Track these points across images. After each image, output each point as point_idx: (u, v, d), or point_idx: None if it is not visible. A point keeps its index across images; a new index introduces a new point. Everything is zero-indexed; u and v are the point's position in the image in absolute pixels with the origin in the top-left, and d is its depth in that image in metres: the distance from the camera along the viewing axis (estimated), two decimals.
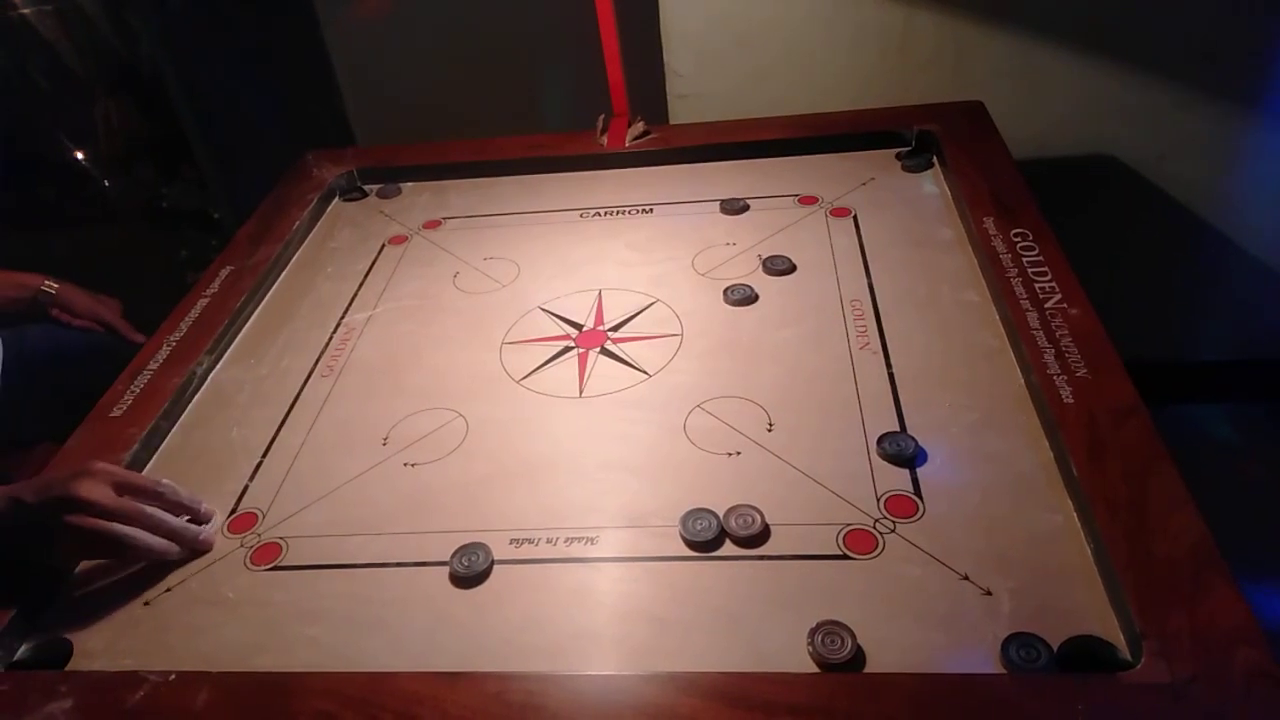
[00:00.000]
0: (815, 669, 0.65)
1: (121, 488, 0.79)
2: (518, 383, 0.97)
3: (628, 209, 1.25)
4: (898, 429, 0.84)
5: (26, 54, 1.87)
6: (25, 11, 1.81)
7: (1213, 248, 1.61)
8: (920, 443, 0.82)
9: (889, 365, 0.92)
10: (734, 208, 1.21)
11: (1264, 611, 0.85)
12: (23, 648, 0.75)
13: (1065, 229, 1.04)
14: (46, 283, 1.31)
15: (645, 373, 0.96)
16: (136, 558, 0.80)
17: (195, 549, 0.81)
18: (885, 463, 0.81)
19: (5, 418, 1.19)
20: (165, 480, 0.83)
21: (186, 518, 0.82)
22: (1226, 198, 1.57)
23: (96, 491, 0.77)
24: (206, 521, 0.84)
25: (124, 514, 0.78)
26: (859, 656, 0.65)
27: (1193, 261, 1.66)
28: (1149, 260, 1.65)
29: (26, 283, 1.29)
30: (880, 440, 0.82)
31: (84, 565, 0.82)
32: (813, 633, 0.66)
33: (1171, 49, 1.44)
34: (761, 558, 0.74)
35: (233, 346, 1.09)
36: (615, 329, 1.03)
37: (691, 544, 0.75)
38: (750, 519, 0.76)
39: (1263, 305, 1.68)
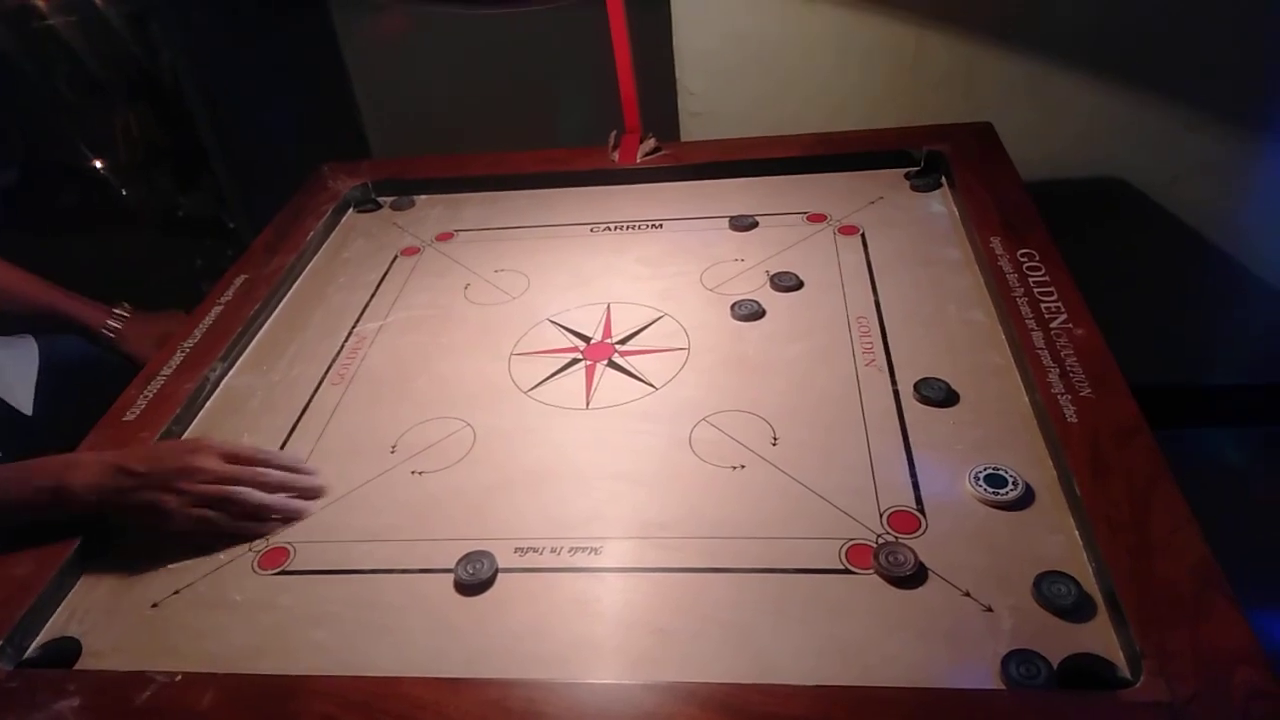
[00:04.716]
0: (815, 682, 0.65)
1: (230, 457, 0.85)
2: (525, 393, 0.98)
3: (638, 224, 1.27)
4: (902, 442, 0.85)
5: (51, 63, 1.90)
6: (51, 22, 1.84)
7: (1224, 271, 1.61)
8: (922, 458, 0.82)
9: (894, 382, 0.92)
10: (743, 224, 1.22)
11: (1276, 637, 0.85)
12: (32, 646, 0.75)
13: (1076, 251, 1.04)
14: (109, 323, 1.27)
15: (652, 386, 0.97)
16: (249, 517, 0.84)
17: (310, 496, 0.87)
18: (920, 404, 0.88)
19: (38, 428, 1.19)
20: (265, 449, 0.90)
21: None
22: (1238, 221, 1.57)
23: (210, 460, 0.83)
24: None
25: (237, 478, 0.83)
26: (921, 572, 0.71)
27: (1204, 284, 1.66)
28: (1160, 283, 1.65)
29: (90, 319, 1.28)
30: (917, 385, 0.90)
31: (92, 567, 0.83)
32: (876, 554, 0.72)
33: (1183, 72, 1.44)
34: (764, 570, 0.74)
35: (245, 353, 1.10)
36: (623, 342, 1.04)
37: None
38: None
39: (1275, 328, 1.68)
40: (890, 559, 0.73)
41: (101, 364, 1.26)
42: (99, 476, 0.82)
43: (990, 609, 0.69)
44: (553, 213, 1.32)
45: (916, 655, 0.66)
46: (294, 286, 1.22)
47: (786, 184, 1.30)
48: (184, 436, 0.98)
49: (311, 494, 0.87)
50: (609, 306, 1.10)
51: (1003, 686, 0.63)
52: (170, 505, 0.81)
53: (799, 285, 1.09)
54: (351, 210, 1.40)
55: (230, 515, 0.83)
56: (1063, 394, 0.84)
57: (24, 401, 1.17)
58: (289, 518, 0.85)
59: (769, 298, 1.07)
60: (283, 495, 0.85)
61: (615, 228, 1.27)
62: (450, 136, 1.98)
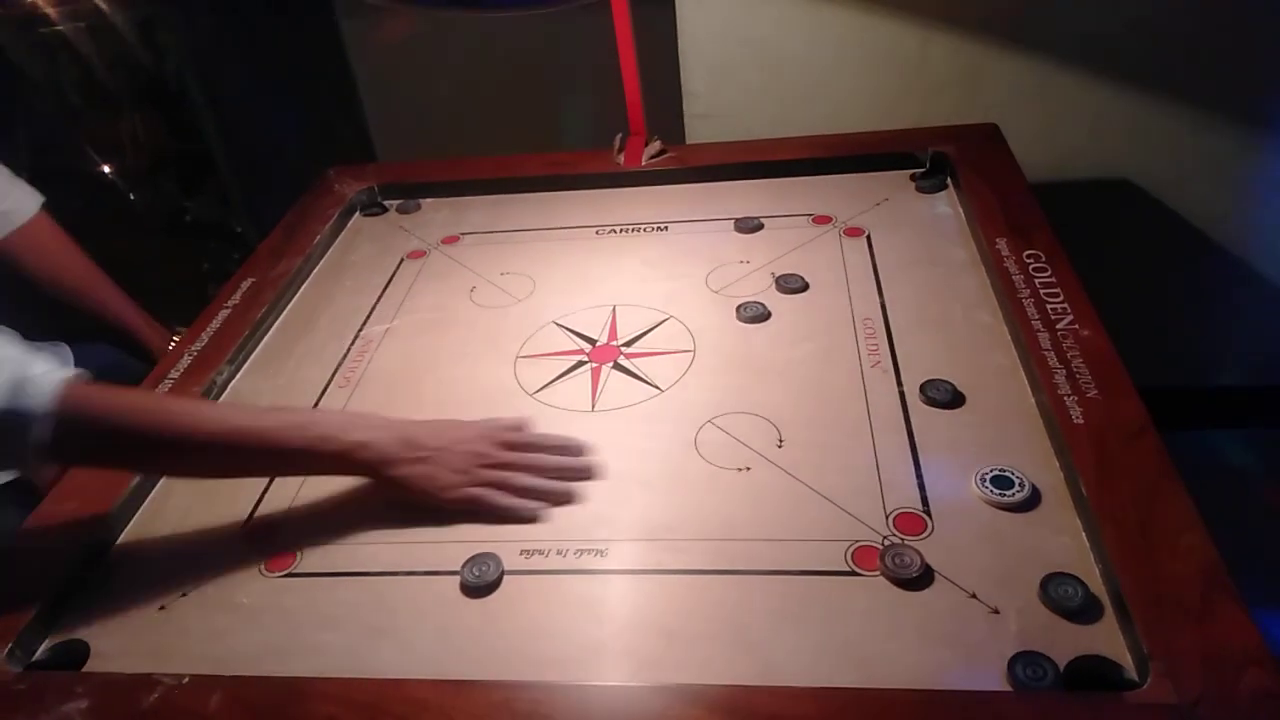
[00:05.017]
0: (821, 684, 0.65)
1: (509, 445, 0.86)
2: (531, 396, 0.98)
3: (643, 226, 1.27)
4: (908, 444, 0.85)
5: (58, 69, 1.92)
6: (59, 28, 1.85)
7: (1231, 272, 1.61)
8: (927, 462, 0.82)
9: (900, 384, 0.92)
10: (748, 226, 1.22)
11: None
12: (41, 649, 0.76)
13: (1082, 252, 1.04)
14: (169, 348, 1.28)
15: (657, 388, 0.97)
16: (523, 501, 0.83)
17: (583, 478, 0.86)
18: (926, 406, 0.88)
19: None
20: (542, 432, 0.91)
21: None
22: (1244, 222, 1.57)
23: (494, 447, 0.85)
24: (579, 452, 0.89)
25: (515, 464, 0.85)
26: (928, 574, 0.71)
27: (1211, 286, 1.65)
28: (1167, 284, 1.65)
29: (153, 341, 1.27)
30: (923, 387, 0.90)
31: (100, 569, 0.83)
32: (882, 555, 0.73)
33: (1189, 73, 1.44)
34: (770, 573, 0.74)
35: (253, 357, 1.11)
36: (628, 344, 1.04)
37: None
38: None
39: None
40: (896, 561, 0.73)
41: (134, 375, 1.26)
42: (384, 441, 0.83)
43: (997, 611, 0.69)
44: (558, 215, 1.32)
45: (923, 657, 0.66)
46: (300, 290, 1.23)
47: (792, 186, 1.30)
48: None
49: (584, 476, 0.86)
50: (614, 309, 1.11)
51: (1009, 688, 0.63)
52: (448, 482, 0.83)
53: (804, 287, 1.09)
54: (357, 214, 1.40)
55: (502, 496, 0.83)
56: (1069, 395, 0.83)
57: None
58: (558, 501, 0.84)
59: (774, 300, 1.07)
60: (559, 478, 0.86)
61: (620, 230, 1.27)
62: (455, 140, 1.99)
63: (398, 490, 0.84)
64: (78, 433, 0.75)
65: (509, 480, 0.84)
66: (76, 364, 1.22)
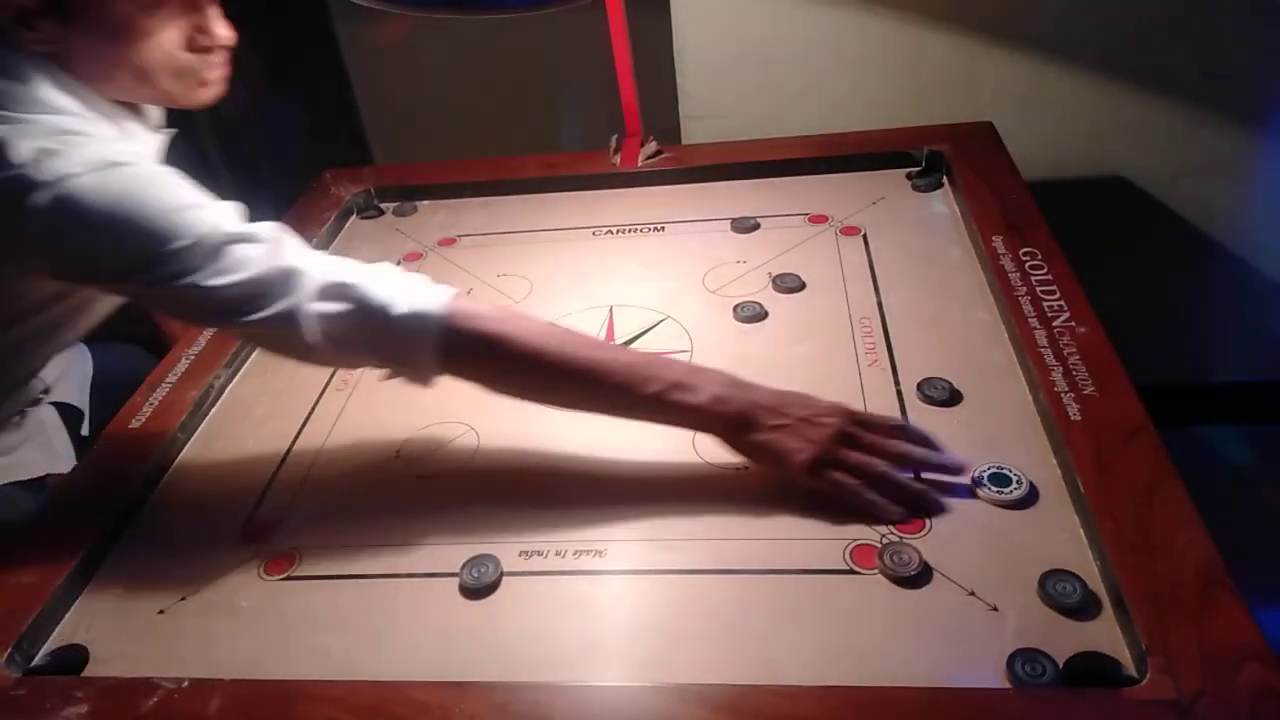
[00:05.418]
0: (821, 683, 0.65)
1: (865, 424, 0.81)
2: None
3: (640, 227, 1.27)
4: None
5: None
6: None
7: (1227, 268, 1.61)
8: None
9: (897, 382, 0.92)
10: (744, 226, 1.22)
11: None
12: (40, 654, 0.76)
13: (1079, 250, 1.04)
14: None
15: None
16: (888, 502, 0.77)
17: (952, 475, 0.80)
18: (923, 404, 0.89)
19: (87, 435, 1.18)
20: (900, 421, 0.85)
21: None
22: (1241, 218, 1.57)
23: (849, 424, 0.79)
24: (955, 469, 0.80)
25: (882, 450, 0.79)
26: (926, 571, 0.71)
27: (1207, 282, 1.66)
28: (1163, 281, 1.65)
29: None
30: (920, 385, 0.90)
31: (99, 574, 0.83)
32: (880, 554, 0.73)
33: (1185, 69, 1.44)
34: (769, 572, 0.74)
35: (250, 360, 1.10)
36: (626, 345, 1.04)
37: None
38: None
39: (1278, 325, 1.67)
40: (895, 559, 0.73)
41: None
42: (744, 400, 0.80)
43: (995, 608, 0.69)
44: (554, 217, 1.32)
45: (922, 655, 0.66)
46: None
47: (788, 185, 1.30)
48: (188, 444, 0.98)
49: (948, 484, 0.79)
50: (611, 309, 1.11)
51: (1009, 685, 0.63)
52: (811, 456, 0.77)
53: (801, 286, 1.09)
54: (354, 216, 1.40)
55: (869, 490, 0.77)
56: (1066, 392, 0.84)
57: (83, 404, 1.17)
58: (924, 509, 0.77)
59: (771, 299, 1.07)
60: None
61: (617, 231, 1.27)
62: (452, 142, 1.99)
63: (748, 453, 0.81)
64: (464, 340, 0.78)
65: (870, 466, 0.78)
66: (96, 365, 1.22)
